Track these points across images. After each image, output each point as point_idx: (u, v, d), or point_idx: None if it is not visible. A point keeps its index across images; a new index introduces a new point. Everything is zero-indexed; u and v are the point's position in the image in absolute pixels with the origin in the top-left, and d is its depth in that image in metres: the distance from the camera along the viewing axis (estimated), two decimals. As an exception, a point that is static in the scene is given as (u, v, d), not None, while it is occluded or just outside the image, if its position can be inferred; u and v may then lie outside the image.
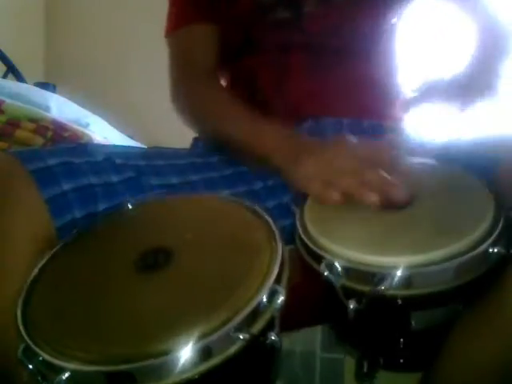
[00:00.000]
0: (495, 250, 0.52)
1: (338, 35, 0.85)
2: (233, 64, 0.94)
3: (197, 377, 0.45)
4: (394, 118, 0.88)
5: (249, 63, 0.90)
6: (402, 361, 0.64)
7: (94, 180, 0.65)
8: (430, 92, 0.76)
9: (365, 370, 0.62)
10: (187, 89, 0.88)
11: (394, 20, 0.90)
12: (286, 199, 0.77)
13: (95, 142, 1.39)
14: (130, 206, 0.65)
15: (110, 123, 1.64)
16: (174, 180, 0.74)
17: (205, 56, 0.89)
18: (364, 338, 0.61)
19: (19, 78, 1.90)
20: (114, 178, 0.68)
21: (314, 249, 0.56)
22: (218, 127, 0.81)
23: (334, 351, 0.96)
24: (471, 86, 0.77)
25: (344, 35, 0.86)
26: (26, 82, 1.84)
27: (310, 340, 0.98)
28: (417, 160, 0.67)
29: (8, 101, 1.35)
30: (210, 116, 0.83)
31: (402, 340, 0.61)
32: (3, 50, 1.86)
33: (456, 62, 0.86)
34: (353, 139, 0.66)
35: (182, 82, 0.89)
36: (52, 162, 0.63)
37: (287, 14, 0.85)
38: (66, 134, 1.35)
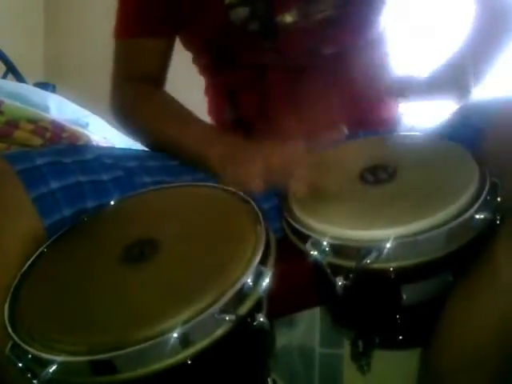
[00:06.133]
0: (482, 216, 0.53)
1: (318, 55, 0.81)
2: (214, 80, 0.91)
3: (185, 361, 0.46)
4: (389, 123, 0.87)
5: (229, 81, 0.87)
6: (397, 338, 0.64)
7: (82, 178, 0.66)
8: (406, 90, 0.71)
9: (360, 349, 0.62)
10: (123, 91, 0.86)
11: (378, 30, 0.86)
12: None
13: (94, 142, 1.39)
14: (113, 201, 0.66)
15: (110, 123, 1.64)
16: (167, 179, 0.74)
17: (149, 68, 0.87)
18: (357, 316, 0.62)
19: (19, 78, 1.89)
20: (104, 177, 0.68)
21: (299, 228, 0.57)
22: (149, 126, 0.79)
23: (332, 346, 0.96)
24: (461, 76, 0.69)
25: (324, 54, 0.81)
26: (25, 82, 1.84)
27: (309, 335, 0.97)
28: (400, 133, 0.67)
29: (7, 101, 1.35)
30: (141, 115, 0.81)
31: (395, 316, 0.61)
32: (3, 50, 1.86)
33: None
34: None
35: (120, 86, 0.88)
36: (40, 161, 0.63)
37: (259, 27, 0.78)
38: (65, 135, 1.34)
